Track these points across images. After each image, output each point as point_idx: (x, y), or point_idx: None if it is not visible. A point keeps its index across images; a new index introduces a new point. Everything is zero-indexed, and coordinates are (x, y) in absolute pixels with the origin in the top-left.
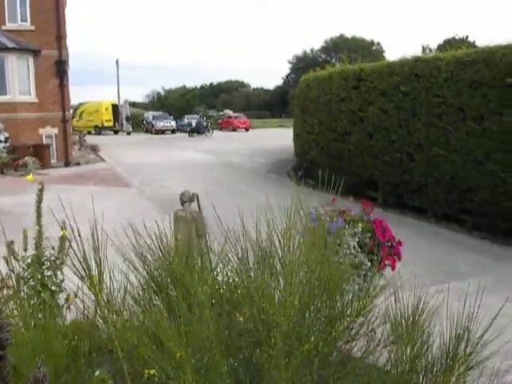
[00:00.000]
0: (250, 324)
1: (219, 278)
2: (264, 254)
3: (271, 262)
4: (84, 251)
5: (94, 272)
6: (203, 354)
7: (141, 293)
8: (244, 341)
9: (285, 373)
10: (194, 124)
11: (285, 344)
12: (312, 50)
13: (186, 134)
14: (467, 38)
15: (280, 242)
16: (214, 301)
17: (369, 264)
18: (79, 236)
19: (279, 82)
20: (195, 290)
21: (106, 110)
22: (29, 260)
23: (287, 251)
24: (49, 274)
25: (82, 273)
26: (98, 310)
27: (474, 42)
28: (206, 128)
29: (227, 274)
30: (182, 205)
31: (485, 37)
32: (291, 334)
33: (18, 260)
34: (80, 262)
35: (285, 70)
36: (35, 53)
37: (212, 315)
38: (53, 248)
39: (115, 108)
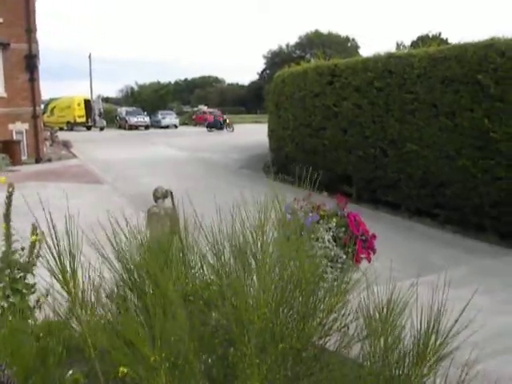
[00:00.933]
0: (223, 321)
1: (194, 274)
2: (238, 251)
3: (245, 258)
4: (58, 250)
5: (68, 271)
6: (177, 356)
7: (115, 290)
8: (217, 339)
9: (259, 371)
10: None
11: (258, 342)
12: (287, 46)
13: (160, 130)
14: (440, 35)
15: (253, 237)
16: (187, 298)
17: (344, 257)
18: (54, 234)
19: (254, 77)
20: (167, 288)
21: (79, 105)
22: None
23: (260, 247)
24: (19, 275)
25: (56, 272)
26: (72, 309)
27: (446, 39)
28: (224, 124)
29: (201, 270)
30: (156, 201)
31: (457, 34)
32: (265, 331)
33: None
34: (55, 260)
35: (260, 65)
36: (4, 46)
37: (184, 314)
38: (22, 249)
39: (88, 103)
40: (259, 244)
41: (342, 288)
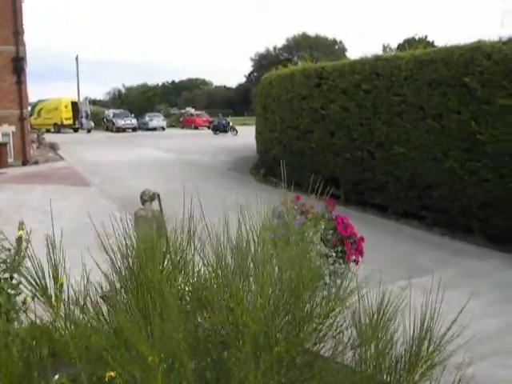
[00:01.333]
0: (217, 325)
1: (190, 274)
2: (238, 253)
3: (244, 260)
4: (37, 261)
5: (50, 279)
6: (174, 359)
7: (110, 291)
8: (211, 342)
9: (253, 376)
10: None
11: (253, 346)
12: (275, 48)
13: (147, 132)
14: (426, 37)
15: (254, 241)
16: (183, 298)
17: (334, 255)
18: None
19: (242, 79)
20: (163, 290)
21: (66, 107)
22: None
23: (261, 251)
24: (5, 276)
25: (36, 282)
26: (56, 317)
27: (432, 41)
28: (227, 127)
29: (197, 273)
30: (143, 204)
31: (443, 37)
32: (259, 336)
33: None
34: (35, 270)
35: (247, 68)
36: None
37: (180, 317)
38: (9, 250)
39: (75, 105)
40: (259, 248)
41: (340, 294)
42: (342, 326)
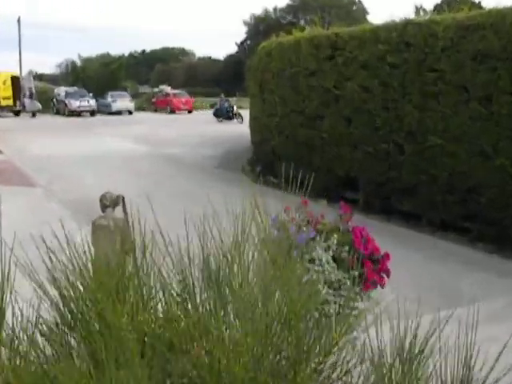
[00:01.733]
0: (193, 372)
1: (153, 307)
2: (208, 277)
3: (219, 287)
4: None
5: None
6: None
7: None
8: None
9: None
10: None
11: None
12: (275, 9)
13: (109, 117)
14: None
15: (228, 260)
16: (145, 339)
17: (348, 283)
18: None
19: (232, 49)
20: (120, 327)
21: (4, 83)
22: None
23: (238, 272)
24: None
25: None
26: None
27: (479, 2)
28: (230, 112)
29: (163, 303)
30: (104, 210)
31: None
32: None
33: None
34: None
35: (240, 34)
36: None
37: (142, 364)
38: None
39: (16, 81)
40: (235, 269)
41: (344, 323)
42: (349, 363)
